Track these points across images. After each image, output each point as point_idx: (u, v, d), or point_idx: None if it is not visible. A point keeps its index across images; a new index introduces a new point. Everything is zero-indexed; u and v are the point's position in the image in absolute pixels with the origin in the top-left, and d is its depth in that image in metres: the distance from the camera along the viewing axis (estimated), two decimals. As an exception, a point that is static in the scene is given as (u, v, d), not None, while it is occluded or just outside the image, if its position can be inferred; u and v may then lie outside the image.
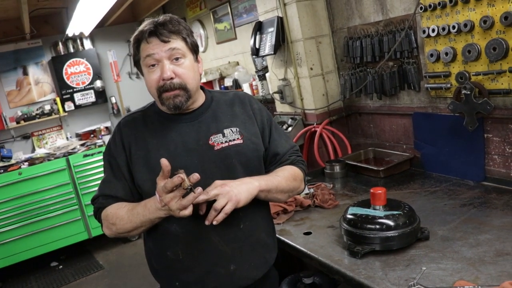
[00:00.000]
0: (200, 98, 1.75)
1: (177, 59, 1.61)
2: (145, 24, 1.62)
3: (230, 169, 1.68)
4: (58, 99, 6.14)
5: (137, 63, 1.68)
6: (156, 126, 1.71)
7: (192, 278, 1.69)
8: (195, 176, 1.41)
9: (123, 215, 1.63)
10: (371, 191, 1.87)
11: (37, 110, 6.08)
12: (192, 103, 1.69)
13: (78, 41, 6.27)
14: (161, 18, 1.62)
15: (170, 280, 1.74)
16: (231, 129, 1.72)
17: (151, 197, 1.55)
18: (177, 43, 1.61)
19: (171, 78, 1.59)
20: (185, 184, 1.40)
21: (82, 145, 5.78)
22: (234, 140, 1.70)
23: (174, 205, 1.43)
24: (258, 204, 1.73)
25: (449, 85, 2.40)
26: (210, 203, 1.52)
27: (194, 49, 1.68)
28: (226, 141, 1.69)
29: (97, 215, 1.74)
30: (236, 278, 1.71)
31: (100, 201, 1.73)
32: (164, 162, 1.42)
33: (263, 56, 3.60)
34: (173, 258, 1.69)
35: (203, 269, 1.68)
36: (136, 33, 1.63)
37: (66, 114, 6.19)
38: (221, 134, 1.70)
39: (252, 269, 1.74)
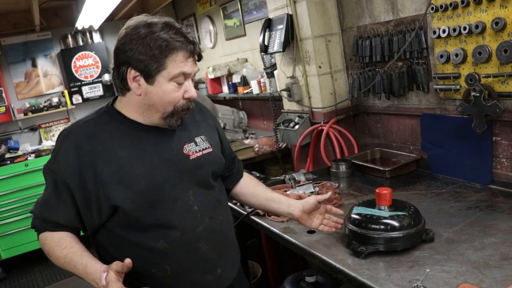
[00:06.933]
0: None
1: (192, 79, 1.59)
2: (182, 36, 1.49)
3: (205, 177, 1.68)
4: (66, 92, 6.15)
5: (150, 69, 1.48)
6: (123, 136, 1.57)
7: None
8: None
9: (59, 256, 1.54)
10: (377, 191, 1.86)
11: (45, 102, 6.10)
12: None
13: (88, 34, 6.29)
14: (188, 32, 1.52)
15: None
16: (201, 137, 1.71)
17: (95, 267, 1.44)
18: None
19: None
20: None
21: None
22: (206, 148, 1.70)
23: None
24: (228, 205, 1.88)
25: (458, 87, 2.38)
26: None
27: None
28: (200, 150, 1.68)
29: (35, 231, 1.64)
30: (222, 281, 1.73)
31: (39, 223, 1.61)
32: (127, 262, 1.38)
33: (271, 53, 3.59)
34: (159, 275, 1.60)
35: (193, 279, 1.66)
36: (170, 39, 1.46)
37: (73, 107, 6.20)
38: (193, 143, 1.68)
39: (232, 268, 1.79)
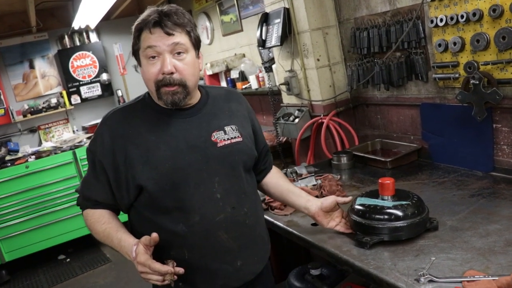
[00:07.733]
0: (197, 94, 1.73)
1: (179, 53, 1.56)
2: (149, 13, 1.55)
3: (233, 166, 1.70)
4: (64, 93, 6.16)
5: (136, 52, 1.62)
6: (153, 121, 1.65)
7: (199, 277, 1.67)
8: (181, 271, 1.50)
9: (98, 231, 1.67)
10: (380, 181, 1.86)
11: (43, 103, 6.10)
12: (190, 99, 1.66)
13: (84, 34, 6.28)
14: (166, 7, 1.57)
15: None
16: (231, 127, 1.73)
17: (128, 241, 1.57)
18: (181, 37, 1.56)
19: (171, 73, 1.55)
20: (168, 277, 1.48)
21: (88, 138, 5.79)
22: (235, 138, 1.71)
23: (142, 275, 1.50)
24: (258, 199, 1.86)
25: (457, 75, 2.38)
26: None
27: (197, 44, 1.64)
28: (228, 138, 1.69)
29: (80, 208, 1.79)
30: (243, 274, 1.73)
31: (81, 201, 1.76)
32: (154, 236, 1.49)
33: (269, 48, 3.58)
34: (178, 258, 1.61)
35: (211, 267, 1.67)
36: (138, 21, 1.57)
37: (72, 107, 6.21)
38: (222, 131, 1.70)
39: (255, 263, 1.78)
